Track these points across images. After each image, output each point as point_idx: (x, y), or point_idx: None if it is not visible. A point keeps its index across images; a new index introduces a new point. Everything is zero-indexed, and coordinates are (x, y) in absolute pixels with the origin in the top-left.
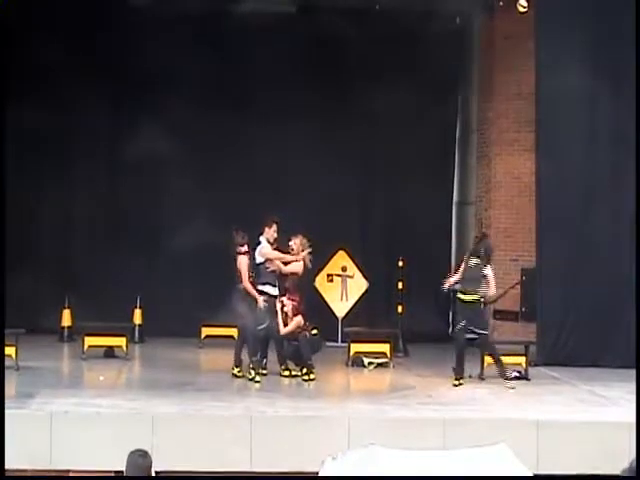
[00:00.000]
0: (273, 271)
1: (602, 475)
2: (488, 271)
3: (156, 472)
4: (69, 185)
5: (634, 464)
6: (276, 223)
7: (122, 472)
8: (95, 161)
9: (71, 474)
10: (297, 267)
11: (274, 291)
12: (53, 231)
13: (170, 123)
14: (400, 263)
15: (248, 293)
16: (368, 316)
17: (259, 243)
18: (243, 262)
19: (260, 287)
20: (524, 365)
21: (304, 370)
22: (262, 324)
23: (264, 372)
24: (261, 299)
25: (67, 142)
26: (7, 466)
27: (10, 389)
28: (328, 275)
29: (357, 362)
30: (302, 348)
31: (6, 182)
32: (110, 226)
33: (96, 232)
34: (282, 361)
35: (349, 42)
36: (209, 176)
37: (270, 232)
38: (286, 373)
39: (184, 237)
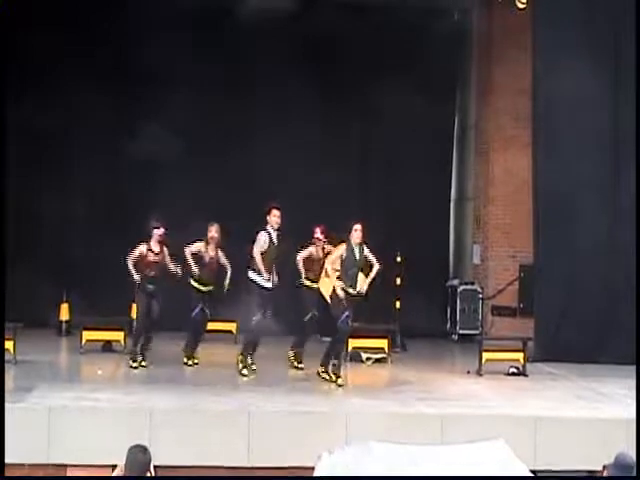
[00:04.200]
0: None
1: (597, 476)
2: None
3: (154, 467)
4: (68, 180)
5: (620, 459)
6: (276, 209)
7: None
8: (95, 157)
9: (68, 469)
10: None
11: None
12: (52, 225)
13: (169, 121)
14: (398, 259)
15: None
16: (366, 311)
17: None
18: None
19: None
20: (522, 361)
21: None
22: (254, 316)
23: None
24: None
25: (69, 139)
26: (5, 460)
27: (8, 383)
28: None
29: (355, 357)
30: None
31: (6, 179)
32: (109, 220)
33: (95, 226)
34: (299, 358)
35: (346, 39)
36: (207, 172)
37: (271, 219)
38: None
39: (183, 232)
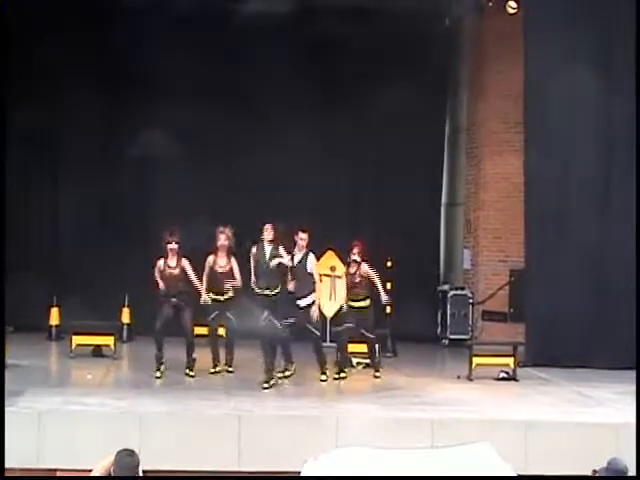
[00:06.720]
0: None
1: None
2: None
3: (144, 471)
4: (60, 184)
5: (612, 464)
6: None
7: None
8: (88, 160)
9: (58, 473)
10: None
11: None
12: (42, 229)
13: (168, 125)
14: (389, 263)
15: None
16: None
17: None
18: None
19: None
20: (512, 366)
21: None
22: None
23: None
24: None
25: (63, 141)
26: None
27: None
28: None
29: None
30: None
31: (5, 182)
32: (100, 225)
33: (86, 231)
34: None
35: (339, 43)
36: (202, 176)
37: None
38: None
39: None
